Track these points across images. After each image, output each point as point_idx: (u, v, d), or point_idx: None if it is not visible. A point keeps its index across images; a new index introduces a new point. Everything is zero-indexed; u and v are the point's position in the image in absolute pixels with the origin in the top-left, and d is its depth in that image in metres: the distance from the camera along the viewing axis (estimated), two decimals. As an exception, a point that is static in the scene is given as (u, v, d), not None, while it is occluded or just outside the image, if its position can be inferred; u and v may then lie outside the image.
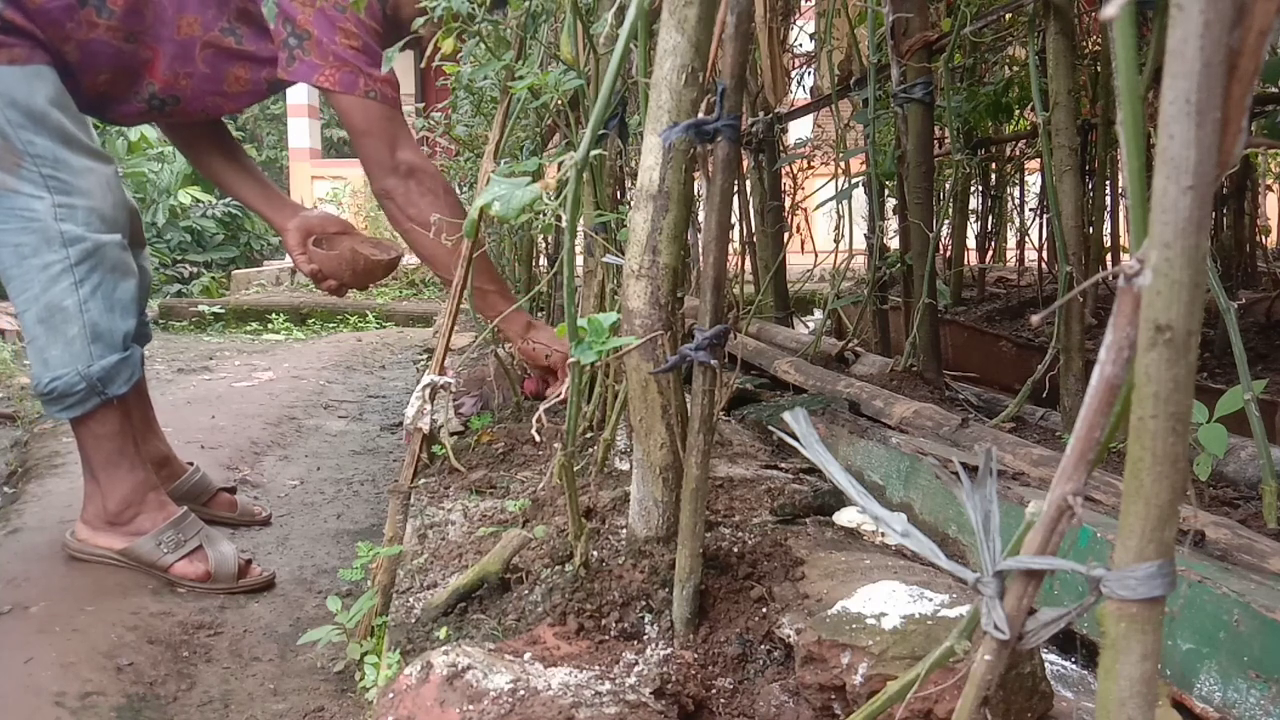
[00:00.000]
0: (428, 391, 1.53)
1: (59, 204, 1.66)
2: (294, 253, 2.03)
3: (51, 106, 1.65)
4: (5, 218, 1.65)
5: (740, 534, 1.11)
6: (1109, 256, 3.16)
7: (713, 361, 0.89)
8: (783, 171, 3.10)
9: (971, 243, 4.17)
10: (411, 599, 1.22)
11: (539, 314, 2.75)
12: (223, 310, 7.16)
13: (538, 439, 1.71)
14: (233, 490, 2.31)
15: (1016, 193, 4.36)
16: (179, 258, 8.48)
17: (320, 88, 1.76)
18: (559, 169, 0.83)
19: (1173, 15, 0.40)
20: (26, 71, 1.62)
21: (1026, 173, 4.29)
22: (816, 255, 3.05)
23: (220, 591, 1.83)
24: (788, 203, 3.15)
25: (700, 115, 0.87)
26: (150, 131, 8.30)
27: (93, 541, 1.83)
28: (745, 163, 3.06)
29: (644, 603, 0.97)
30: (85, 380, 1.70)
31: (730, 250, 1.78)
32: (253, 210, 2.16)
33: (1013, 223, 4.48)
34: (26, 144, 1.62)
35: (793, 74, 3.45)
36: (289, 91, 10.98)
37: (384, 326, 7.03)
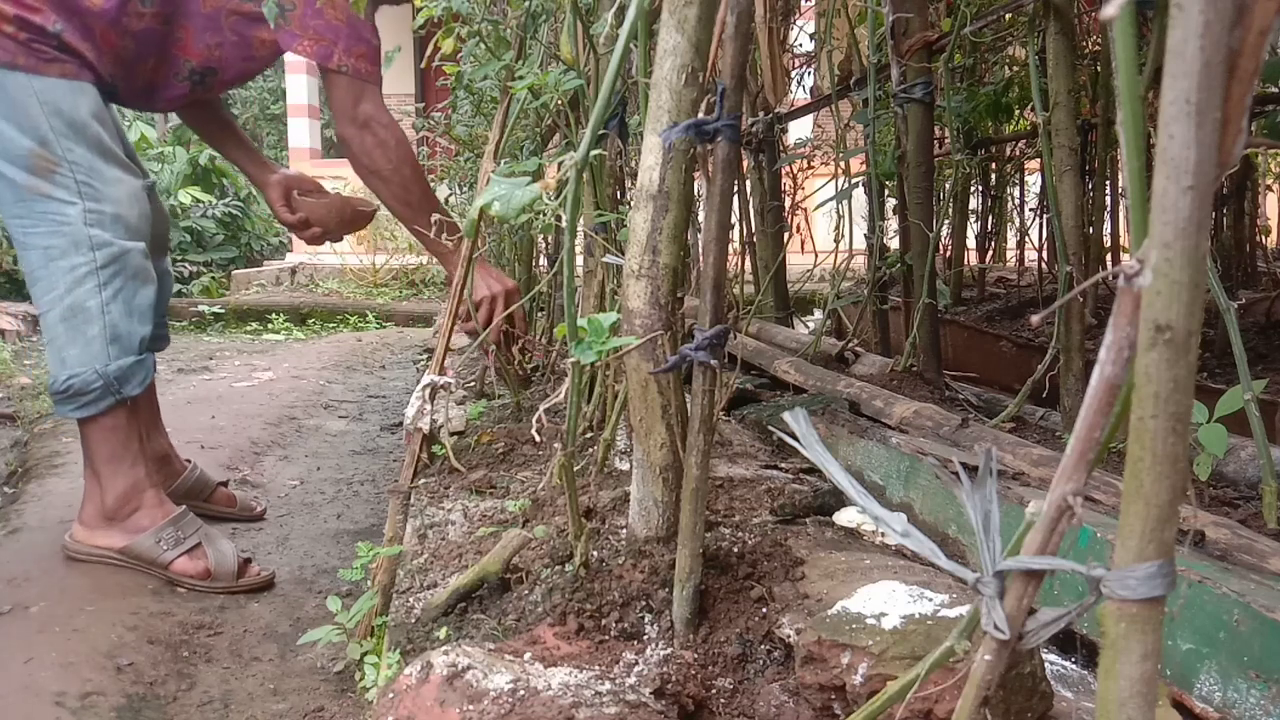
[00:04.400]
0: (428, 391, 1.53)
1: (89, 210, 1.73)
2: (276, 205, 2.15)
3: (92, 119, 1.75)
4: (37, 221, 1.72)
5: (740, 534, 1.11)
6: (1109, 256, 3.16)
7: (713, 361, 0.89)
8: (783, 171, 3.10)
9: (971, 243, 4.17)
10: (411, 599, 1.22)
11: (539, 314, 2.75)
12: (223, 310, 7.16)
13: (538, 439, 1.71)
14: (227, 484, 2.33)
15: (1016, 193, 4.36)
16: (179, 258, 8.46)
17: (298, 55, 1.88)
18: (559, 169, 0.83)
19: (1173, 15, 0.40)
20: (73, 86, 1.73)
21: (1026, 173, 4.29)
22: (816, 255, 3.05)
23: (220, 590, 1.83)
24: (788, 203, 3.15)
25: (700, 115, 0.87)
26: (150, 131, 8.31)
27: (91, 541, 1.83)
28: (745, 163, 3.06)
29: (644, 603, 0.97)
30: (102, 379, 1.75)
31: (730, 250, 1.78)
32: (235, 165, 2.29)
33: (1013, 223, 4.48)
34: (66, 151, 1.71)
35: (793, 74, 3.45)
36: (289, 91, 10.95)
37: (384, 326, 7.02)
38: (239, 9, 1.90)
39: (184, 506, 1.92)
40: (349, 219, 2.18)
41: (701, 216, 0.94)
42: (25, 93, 1.67)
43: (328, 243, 2.24)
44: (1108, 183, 2.96)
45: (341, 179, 9.94)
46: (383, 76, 1.95)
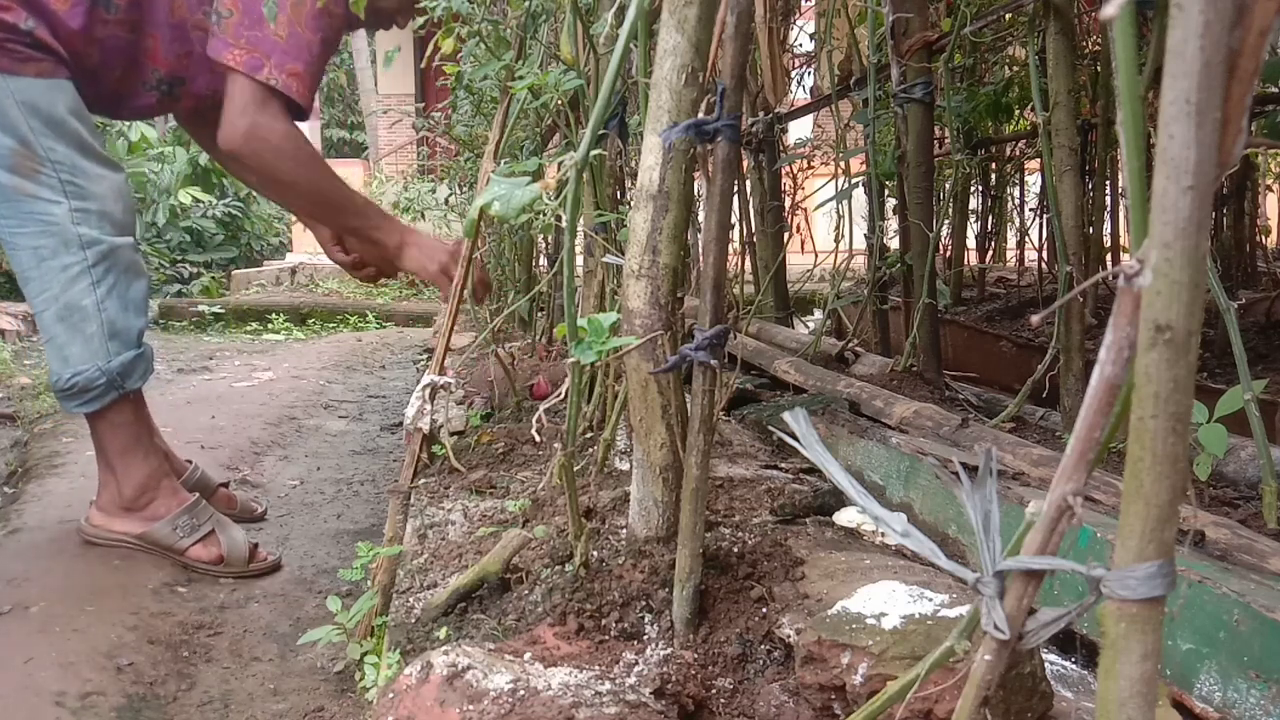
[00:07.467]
0: (428, 391, 1.53)
1: (75, 208, 1.73)
2: (328, 244, 2.08)
3: (70, 115, 1.72)
4: (24, 222, 1.72)
5: (740, 534, 1.11)
6: (1109, 256, 3.16)
7: (713, 361, 0.89)
8: (783, 171, 3.10)
9: (971, 243, 4.17)
10: (411, 599, 1.22)
11: (539, 314, 2.75)
12: (223, 310, 7.15)
13: (538, 439, 1.71)
14: (227, 485, 2.34)
15: (1016, 193, 4.36)
16: (179, 258, 8.46)
17: (226, 66, 1.72)
18: (559, 169, 0.83)
19: (1173, 15, 0.40)
20: (49, 84, 1.70)
21: (1026, 173, 4.29)
22: (816, 255, 3.05)
23: (233, 575, 1.89)
24: (788, 203, 3.15)
25: (700, 115, 0.87)
26: (150, 132, 8.28)
27: (108, 527, 1.88)
28: (745, 163, 3.06)
29: (644, 603, 0.97)
30: (105, 375, 1.77)
31: (730, 250, 1.78)
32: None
33: (1013, 223, 4.48)
34: (48, 151, 1.70)
35: (793, 74, 3.45)
36: (289, 91, 10.98)
37: (384, 326, 7.02)
38: (202, 25, 1.83)
39: (196, 494, 1.97)
40: None
41: (701, 216, 0.94)
42: (2, 93, 1.64)
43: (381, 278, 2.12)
44: (1108, 183, 2.96)
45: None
46: (316, 108, 1.90)
